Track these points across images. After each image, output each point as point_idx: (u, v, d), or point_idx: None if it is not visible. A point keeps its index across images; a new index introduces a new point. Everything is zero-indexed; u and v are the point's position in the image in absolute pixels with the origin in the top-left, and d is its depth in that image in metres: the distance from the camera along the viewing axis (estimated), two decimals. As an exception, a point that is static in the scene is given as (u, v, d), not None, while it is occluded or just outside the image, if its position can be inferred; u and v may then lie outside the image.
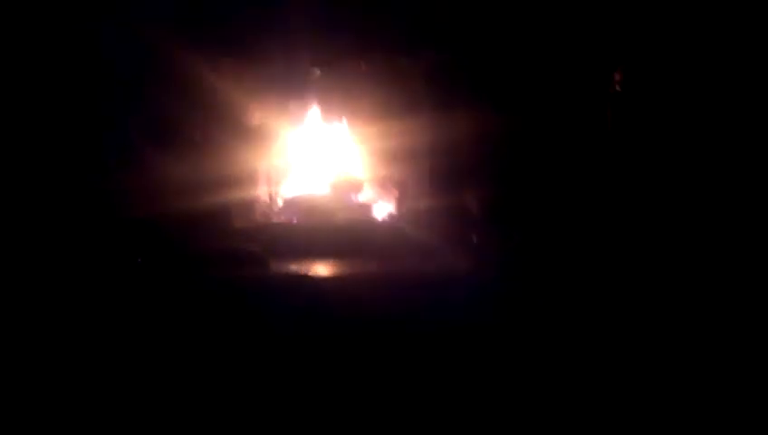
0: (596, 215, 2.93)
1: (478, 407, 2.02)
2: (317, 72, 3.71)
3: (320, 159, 3.99)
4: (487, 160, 3.38)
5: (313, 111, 3.90)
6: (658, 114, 2.98)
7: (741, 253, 2.72)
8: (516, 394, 2.07)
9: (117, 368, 2.17)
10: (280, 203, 3.92)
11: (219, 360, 2.27)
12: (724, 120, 2.89)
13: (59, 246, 2.77)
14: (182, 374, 2.16)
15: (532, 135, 3.25)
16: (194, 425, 1.89)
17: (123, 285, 2.69)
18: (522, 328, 2.46)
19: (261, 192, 3.89)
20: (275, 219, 3.83)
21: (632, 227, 2.86)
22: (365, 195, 3.92)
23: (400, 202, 3.85)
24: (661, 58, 2.99)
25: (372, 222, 3.75)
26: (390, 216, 3.81)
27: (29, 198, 2.84)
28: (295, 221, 3.77)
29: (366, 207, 3.83)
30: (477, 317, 2.50)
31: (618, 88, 3.11)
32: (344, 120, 3.90)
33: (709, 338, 2.31)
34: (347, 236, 3.51)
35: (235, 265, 3.13)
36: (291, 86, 3.73)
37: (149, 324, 2.44)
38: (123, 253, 2.87)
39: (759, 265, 2.65)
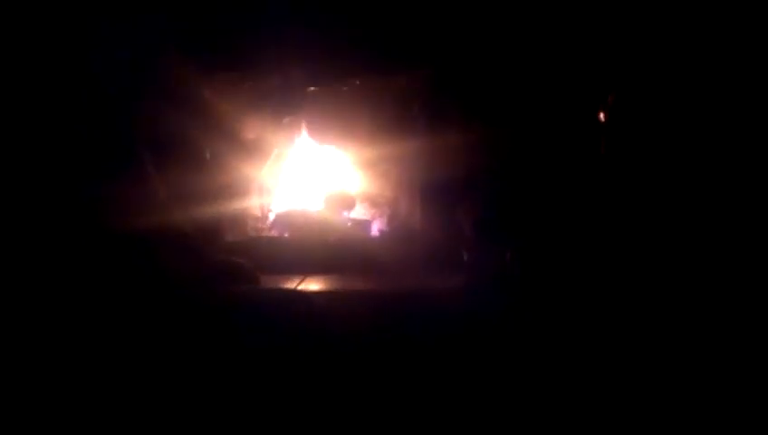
0: (590, 233, 2.93)
1: (470, 426, 2.02)
2: (311, 88, 3.72)
3: (312, 174, 3.99)
4: (479, 177, 3.39)
5: (307, 127, 3.90)
6: (653, 134, 3.00)
7: (732, 276, 2.72)
8: (507, 416, 2.07)
9: (102, 386, 2.14)
10: (271, 217, 3.92)
11: (207, 377, 2.25)
12: (720, 143, 2.91)
13: (46, 258, 2.73)
14: (169, 393, 2.13)
15: (525, 152, 3.26)
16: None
17: (111, 298, 2.66)
18: (514, 346, 2.46)
19: (253, 206, 3.88)
20: (267, 234, 3.82)
21: (627, 247, 2.86)
22: (357, 211, 3.92)
23: (392, 218, 3.86)
24: (657, 79, 3.02)
25: (364, 238, 3.75)
26: (382, 232, 3.81)
27: (16, 207, 2.80)
28: (287, 235, 3.76)
29: (358, 223, 3.83)
30: (470, 334, 2.50)
31: (608, 112, 3.14)
32: (337, 136, 3.91)
33: (705, 351, 2.31)
34: (338, 252, 3.51)
35: (225, 279, 3.11)
36: (285, 102, 3.74)
37: (136, 341, 2.41)
38: (112, 266, 2.84)
39: (745, 287, 2.66)
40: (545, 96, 3.26)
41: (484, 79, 3.41)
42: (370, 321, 2.65)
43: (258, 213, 3.92)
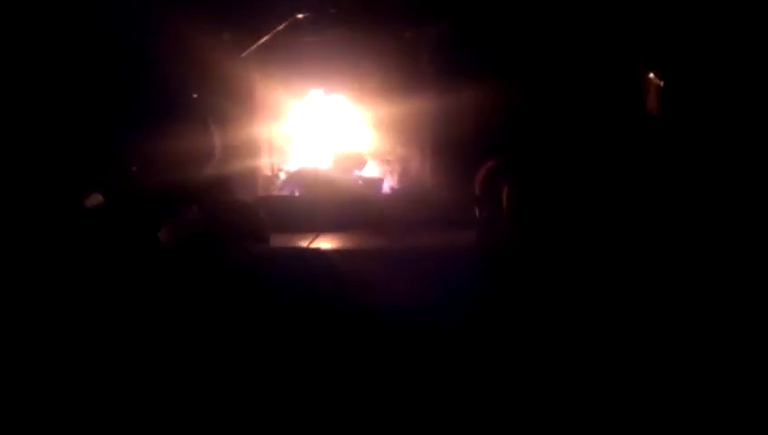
0: (607, 195, 2.87)
1: (480, 383, 2.02)
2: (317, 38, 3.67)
3: (323, 132, 3.97)
4: (492, 135, 3.36)
5: (317, 84, 3.87)
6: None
7: None
8: (517, 375, 2.07)
9: (116, 348, 2.15)
10: (282, 176, 3.91)
11: (222, 336, 2.27)
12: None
13: (62, 213, 2.74)
14: (185, 351, 2.15)
15: (539, 109, 3.22)
16: (197, 402, 1.89)
17: (126, 257, 2.67)
18: (525, 304, 2.46)
19: (263, 165, 3.87)
20: (277, 192, 3.81)
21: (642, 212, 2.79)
22: (368, 169, 3.91)
23: (403, 176, 3.84)
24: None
25: (375, 196, 3.73)
26: (393, 189, 3.80)
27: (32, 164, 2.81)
28: (297, 194, 3.76)
29: (369, 181, 3.82)
30: (481, 292, 2.50)
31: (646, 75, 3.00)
32: (348, 94, 3.87)
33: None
34: (350, 210, 3.50)
35: (237, 237, 3.11)
36: (294, 58, 3.70)
37: (150, 301, 2.42)
38: (125, 224, 2.85)
39: None
40: (563, 51, 3.19)
41: (498, 35, 3.35)
42: (383, 278, 2.66)
43: (269, 172, 3.91)
